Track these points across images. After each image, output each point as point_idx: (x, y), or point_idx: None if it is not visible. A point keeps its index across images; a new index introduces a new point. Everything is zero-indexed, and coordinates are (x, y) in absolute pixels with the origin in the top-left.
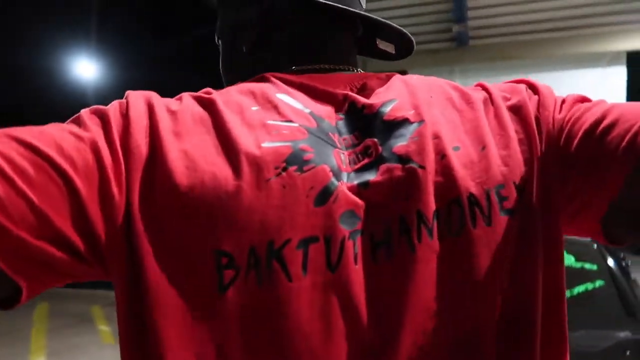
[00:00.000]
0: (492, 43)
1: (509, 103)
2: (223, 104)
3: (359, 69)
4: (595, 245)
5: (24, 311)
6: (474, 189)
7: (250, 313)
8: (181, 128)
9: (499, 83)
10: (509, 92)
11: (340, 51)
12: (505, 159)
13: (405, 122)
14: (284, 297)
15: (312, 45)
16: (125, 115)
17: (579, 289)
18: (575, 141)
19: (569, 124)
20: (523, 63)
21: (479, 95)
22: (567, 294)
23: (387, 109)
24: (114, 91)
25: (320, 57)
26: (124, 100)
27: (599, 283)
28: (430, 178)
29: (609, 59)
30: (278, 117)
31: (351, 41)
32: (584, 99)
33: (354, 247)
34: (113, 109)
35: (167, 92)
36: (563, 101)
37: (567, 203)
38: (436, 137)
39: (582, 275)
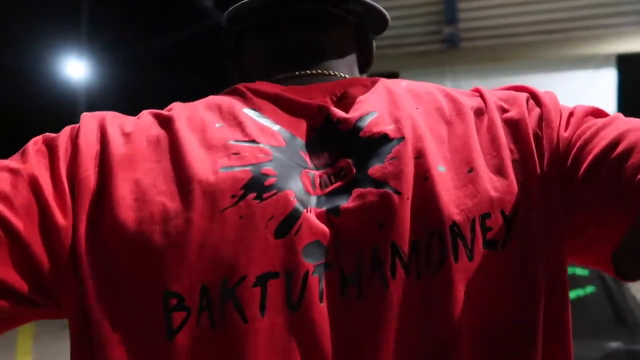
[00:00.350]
0: (483, 45)
1: (505, 115)
2: (185, 120)
3: (343, 74)
4: None
5: None
6: (457, 216)
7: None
8: (134, 153)
9: (498, 89)
10: (507, 101)
11: (321, 55)
12: (495, 184)
13: (383, 138)
14: (239, 341)
15: (289, 50)
16: (74, 143)
17: (571, 295)
18: (584, 166)
19: (578, 145)
20: (514, 65)
21: (472, 103)
22: None
23: (364, 124)
24: (104, 91)
25: (298, 62)
26: (77, 125)
27: (590, 289)
28: (407, 205)
29: (599, 62)
30: (241, 136)
31: (336, 41)
32: (595, 112)
33: (320, 283)
34: (63, 135)
35: (159, 91)
36: (571, 114)
37: (575, 234)
38: (419, 155)
39: (573, 281)
